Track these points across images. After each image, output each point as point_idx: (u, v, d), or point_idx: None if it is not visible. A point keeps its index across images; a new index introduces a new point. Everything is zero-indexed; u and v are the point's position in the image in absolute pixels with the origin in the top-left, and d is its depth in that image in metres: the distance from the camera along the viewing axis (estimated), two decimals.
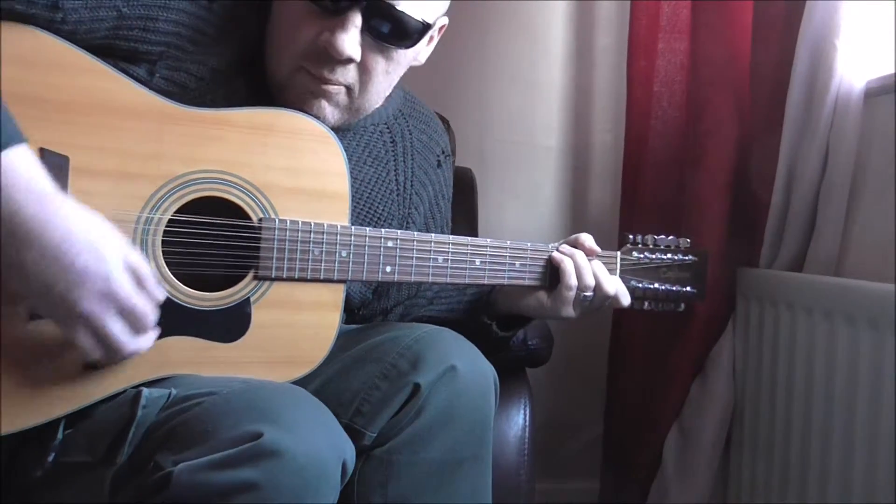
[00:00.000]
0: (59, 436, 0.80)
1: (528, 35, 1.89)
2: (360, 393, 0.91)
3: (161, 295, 0.80)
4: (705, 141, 1.47)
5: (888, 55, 1.28)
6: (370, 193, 1.06)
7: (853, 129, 1.27)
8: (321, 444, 0.75)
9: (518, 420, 1.25)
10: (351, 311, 1.14)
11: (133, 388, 0.81)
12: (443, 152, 1.17)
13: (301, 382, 0.95)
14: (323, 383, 0.94)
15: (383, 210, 1.07)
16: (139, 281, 0.77)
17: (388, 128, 1.08)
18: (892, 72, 1.25)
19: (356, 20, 0.86)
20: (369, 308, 1.16)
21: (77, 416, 0.81)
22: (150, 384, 0.83)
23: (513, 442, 1.24)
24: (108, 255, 0.73)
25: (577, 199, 1.94)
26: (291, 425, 0.73)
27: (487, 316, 1.10)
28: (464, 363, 0.92)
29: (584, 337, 1.86)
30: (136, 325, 0.77)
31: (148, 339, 0.80)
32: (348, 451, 0.79)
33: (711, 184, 1.45)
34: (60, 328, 0.75)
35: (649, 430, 1.60)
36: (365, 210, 1.05)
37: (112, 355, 0.77)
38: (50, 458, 0.79)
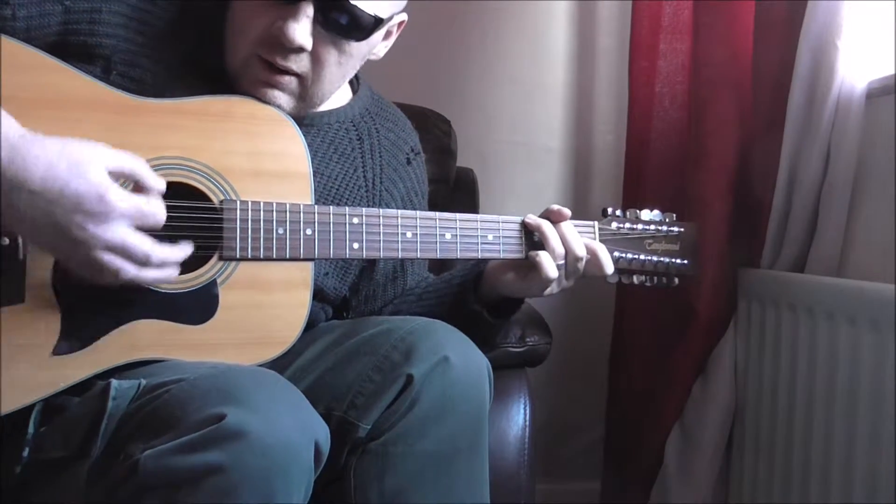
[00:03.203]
0: (31, 429, 0.80)
1: (530, 36, 1.89)
2: (354, 385, 0.91)
3: (160, 182, 0.82)
4: (707, 141, 1.47)
5: (889, 56, 1.28)
6: (337, 190, 1.06)
7: (855, 129, 1.27)
8: (288, 424, 0.74)
9: (518, 420, 1.25)
10: (339, 316, 1.14)
11: (102, 378, 0.81)
12: (412, 150, 1.17)
13: (294, 377, 0.95)
14: (316, 377, 0.95)
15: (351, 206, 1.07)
16: (134, 183, 0.79)
17: (353, 126, 1.09)
18: (894, 72, 1.25)
19: (308, 10, 0.89)
20: (357, 311, 1.16)
21: (51, 411, 0.82)
22: (121, 370, 0.83)
23: (513, 442, 1.24)
24: (93, 171, 0.75)
25: (578, 200, 1.94)
26: (257, 406, 0.73)
27: (477, 304, 1.09)
28: (456, 354, 0.92)
29: (585, 337, 1.87)
30: (149, 224, 0.79)
31: (175, 249, 0.82)
32: (321, 432, 0.79)
33: (713, 184, 1.45)
34: (82, 262, 0.77)
35: (651, 431, 1.60)
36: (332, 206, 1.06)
37: (144, 265, 0.79)
38: (25, 453, 0.80)
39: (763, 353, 1.43)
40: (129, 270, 0.79)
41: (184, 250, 0.84)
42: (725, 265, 1.47)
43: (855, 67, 1.27)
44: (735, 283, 1.51)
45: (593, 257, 1.06)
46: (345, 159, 1.07)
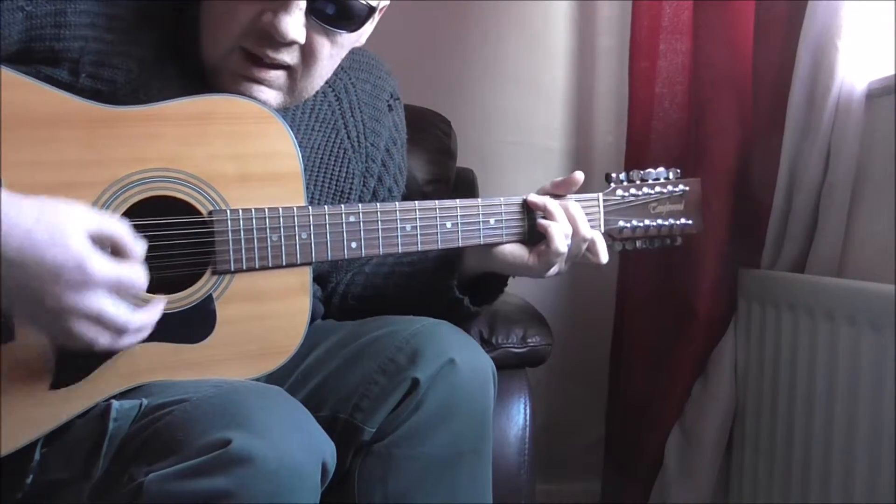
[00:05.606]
0: (37, 456, 0.78)
1: (530, 36, 1.89)
2: (359, 388, 0.90)
3: (141, 247, 0.77)
4: (707, 142, 1.47)
5: (889, 56, 1.28)
6: (323, 157, 1.03)
7: (855, 130, 1.27)
8: (294, 447, 0.73)
9: (518, 420, 1.25)
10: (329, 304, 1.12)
11: (104, 401, 0.79)
12: (391, 96, 1.13)
13: (298, 380, 0.95)
14: (321, 380, 0.94)
15: (341, 170, 1.05)
16: (114, 247, 0.75)
17: (330, 87, 1.04)
18: (894, 73, 1.25)
19: (300, 3, 0.84)
20: (335, 285, 1.14)
21: (53, 432, 0.79)
22: (122, 395, 0.81)
23: (513, 442, 1.24)
24: (73, 238, 0.70)
25: None
26: (262, 430, 0.71)
27: (458, 284, 1.05)
28: (462, 356, 0.91)
29: (585, 337, 1.87)
30: (128, 293, 0.74)
31: (150, 313, 0.78)
32: (327, 450, 0.78)
33: (713, 185, 1.45)
34: (56, 332, 0.73)
35: (651, 431, 1.60)
36: (323, 176, 1.03)
37: (120, 334, 0.75)
38: (28, 480, 0.78)
39: (763, 353, 1.43)
40: (105, 340, 0.74)
41: (159, 309, 0.79)
42: (725, 265, 1.47)
43: (855, 67, 1.27)
44: (735, 283, 1.51)
45: (591, 246, 1.03)
46: (326, 125, 1.04)
